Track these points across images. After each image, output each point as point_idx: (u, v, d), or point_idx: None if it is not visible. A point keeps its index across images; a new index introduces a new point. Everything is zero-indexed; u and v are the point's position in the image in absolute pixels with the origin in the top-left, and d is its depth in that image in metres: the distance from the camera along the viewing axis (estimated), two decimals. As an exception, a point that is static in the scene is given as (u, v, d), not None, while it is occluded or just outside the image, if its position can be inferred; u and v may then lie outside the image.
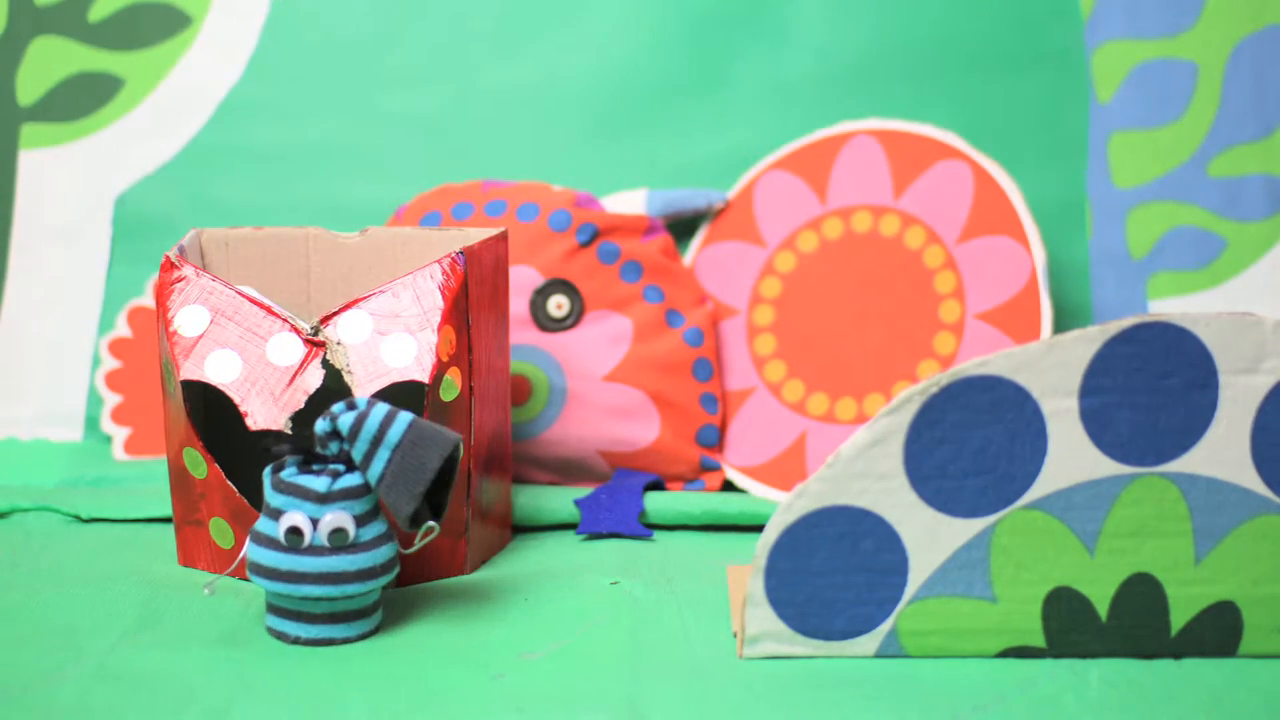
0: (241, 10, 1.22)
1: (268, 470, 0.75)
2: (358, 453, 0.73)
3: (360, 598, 0.74)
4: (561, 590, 0.84)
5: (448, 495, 0.76)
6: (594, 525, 0.98)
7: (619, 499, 1.01)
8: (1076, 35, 1.19)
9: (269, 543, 0.73)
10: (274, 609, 0.75)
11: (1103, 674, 0.70)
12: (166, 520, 0.98)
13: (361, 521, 0.73)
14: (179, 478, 0.87)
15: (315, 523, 0.72)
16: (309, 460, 0.75)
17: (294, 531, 0.72)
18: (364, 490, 0.74)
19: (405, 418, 0.73)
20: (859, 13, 1.21)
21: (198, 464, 0.85)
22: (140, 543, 0.94)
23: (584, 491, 1.04)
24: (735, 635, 0.73)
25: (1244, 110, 1.10)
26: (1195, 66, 1.12)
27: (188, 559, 0.89)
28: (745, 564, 0.85)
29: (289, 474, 0.74)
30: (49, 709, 0.66)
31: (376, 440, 0.73)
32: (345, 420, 0.73)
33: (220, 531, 0.86)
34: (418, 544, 0.76)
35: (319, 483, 0.73)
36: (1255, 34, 1.10)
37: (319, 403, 0.87)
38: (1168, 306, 1.11)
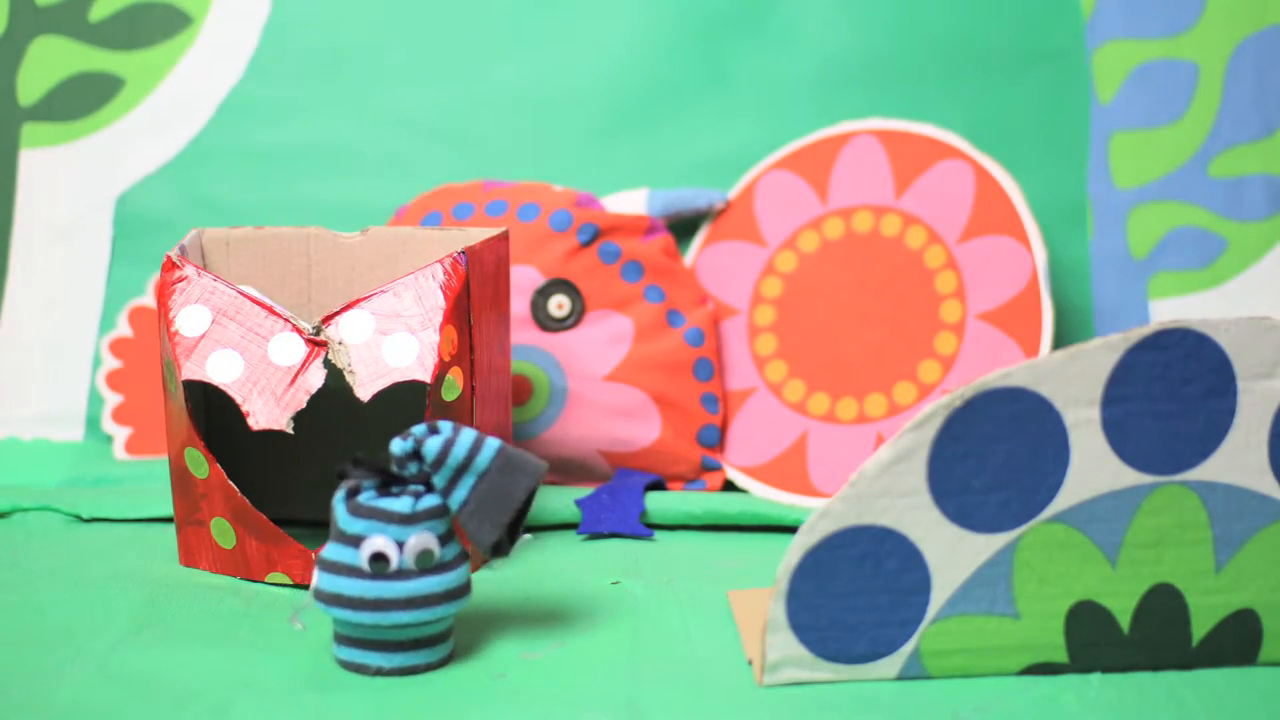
0: (242, 10, 1.22)
1: (340, 496, 0.71)
2: (441, 479, 0.70)
3: (443, 621, 0.71)
4: (562, 590, 0.84)
5: (524, 521, 0.73)
6: (595, 525, 0.98)
7: (620, 499, 1.01)
8: (1077, 35, 1.19)
9: (348, 571, 0.69)
10: (349, 640, 0.71)
11: (1105, 674, 0.71)
12: (167, 520, 0.98)
13: (443, 541, 0.71)
14: (180, 478, 0.87)
15: (401, 546, 0.69)
16: (386, 482, 0.72)
17: (379, 558, 0.69)
18: (445, 509, 0.71)
19: (493, 444, 0.71)
20: (860, 13, 1.21)
21: (199, 464, 0.85)
22: (141, 543, 0.94)
23: (585, 491, 1.04)
24: (750, 662, 0.72)
25: (1245, 110, 1.10)
26: (1196, 66, 1.12)
27: (189, 559, 0.89)
28: (746, 587, 0.84)
29: (367, 498, 0.70)
30: (50, 709, 0.66)
31: (463, 467, 0.70)
32: (431, 445, 0.70)
33: (221, 531, 0.86)
34: (512, 553, 0.73)
35: (402, 504, 0.70)
36: (1256, 34, 1.10)
37: (321, 402, 0.87)
38: (1169, 307, 1.11)
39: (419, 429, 0.71)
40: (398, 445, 0.71)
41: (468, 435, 0.71)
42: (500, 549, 0.73)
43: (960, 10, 1.20)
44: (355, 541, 0.70)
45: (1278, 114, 1.10)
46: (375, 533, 0.69)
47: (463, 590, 0.71)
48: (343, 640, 0.71)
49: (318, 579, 0.71)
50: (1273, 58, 1.09)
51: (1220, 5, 1.11)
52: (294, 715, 0.66)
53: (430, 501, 0.71)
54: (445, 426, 0.71)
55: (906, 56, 1.20)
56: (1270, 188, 1.09)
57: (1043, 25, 1.19)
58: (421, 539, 0.70)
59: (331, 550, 0.71)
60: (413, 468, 0.71)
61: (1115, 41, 1.16)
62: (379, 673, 0.70)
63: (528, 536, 0.74)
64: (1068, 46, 1.19)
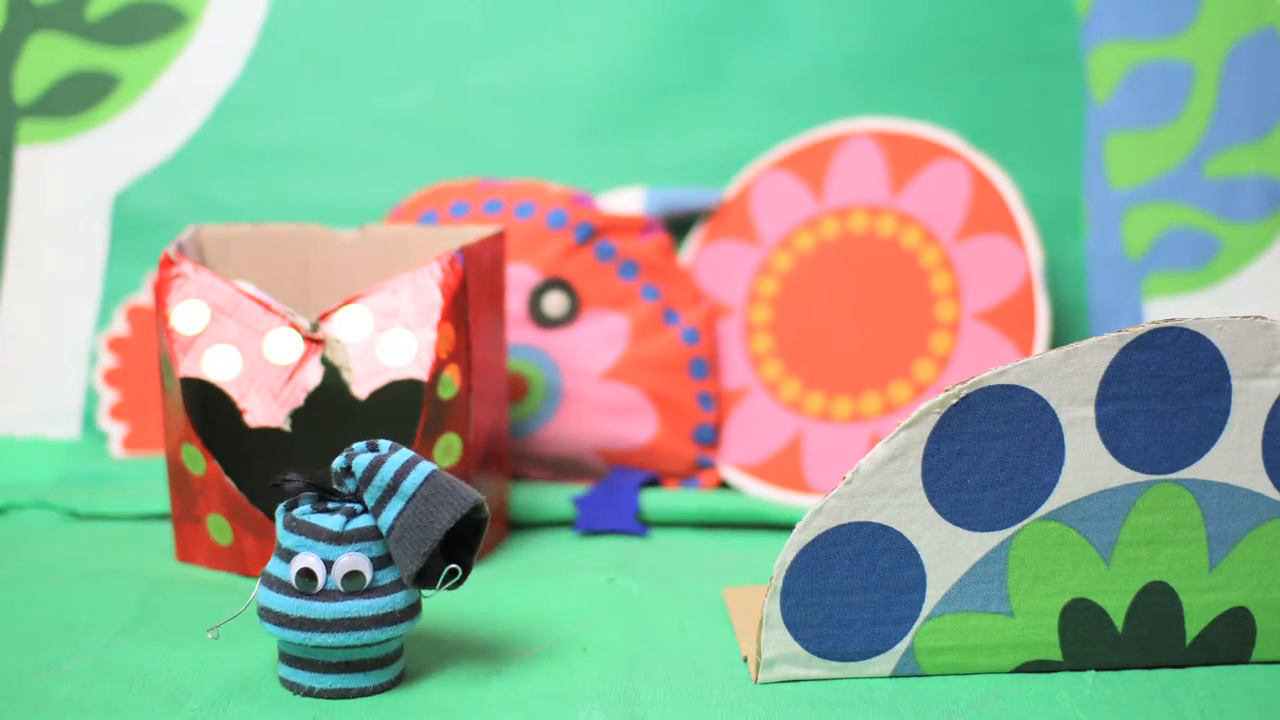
0: (240, 9, 1.22)
1: (281, 508, 0.69)
2: (370, 498, 0.68)
3: (378, 645, 0.68)
4: (558, 587, 0.84)
5: (472, 555, 0.69)
6: (590, 522, 0.98)
7: (615, 496, 1.01)
8: (1073, 36, 1.19)
9: (280, 586, 0.67)
10: (286, 658, 0.68)
11: (1099, 672, 0.71)
12: (164, 517, 0.98)
13: (379, 564, 0.67)
14: (177, 474, 0.88)
15: (329, 565, 0.67)
16: (325, 497, 0.69)
17: (306, 574, 0.66)
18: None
19: (424, 469, 0.68)
20: (855, 12, 1.21)
21: (196, 460, 0.85)
22: (137, 539, 0.94)
23: (581, 489, 1.04)
24: (745, 660, 0.72)
25: (1240, 111, 1.10)
26: (1191, 67, 1.12)
27: (185, 555, 0.89)
28: (741, 585, 0.84)
29: (302, 512, 0.68)
30: (46, 704, 0.66)
31: (390, 489, 0.67)
32: (361, 462, 0.68)
33: (218, 528, 0.86)
34: (438, 588, 0.68)
35: (333, 522, 0.67)
36: (1251, 35, 1.10)
37: (318, 400, 0.87)
38: (1164, 307, 1.11)
39: (358, 445, 0.69)
40: (337, 460, 0.69)
41: (400, 456, 0.68)
42: (426, 579, 0.69)
43: (956, 11, 1.20)
44: (288, 556, 0.68)
45: (1272, 115, 1.10)
46: (305, 549, 0.67)
47: (397, 617, 0.68)
48: (282, 657, 0.69)
49: (258, 591, 0.69)
50: (1267, 59, 1.10)
51: (1215, 7, 1.12)
52: (289, 712, 0.66)
53: (364, 522, 0.68)
54: (383, 445, 0.69)
55: (902, 56, 1.20)
56: (1265, 189, 1.10)
57: (1039, 26, 1.20)
58: (351, 559, 0.67)
59: (272, 564, 0.69)
60: (349, 484, 0.69)
61: (1111, 42, 1.16)
62: (309, 694, 0.68)
63: (455, 567, 0.68)
64: (1064, 47, 1.19)
